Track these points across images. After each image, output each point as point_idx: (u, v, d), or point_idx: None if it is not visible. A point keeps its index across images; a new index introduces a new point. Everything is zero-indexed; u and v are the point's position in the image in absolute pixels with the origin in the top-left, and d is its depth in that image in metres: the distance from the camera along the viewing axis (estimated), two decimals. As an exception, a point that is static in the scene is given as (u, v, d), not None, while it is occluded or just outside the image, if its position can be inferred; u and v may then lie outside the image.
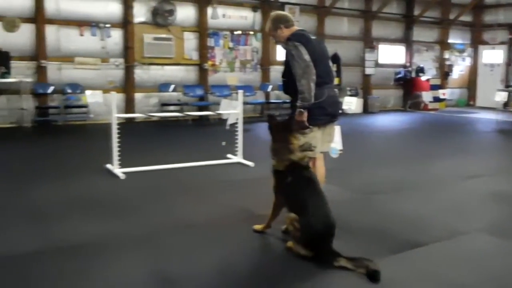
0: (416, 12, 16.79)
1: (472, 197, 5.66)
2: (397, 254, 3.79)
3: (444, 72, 17.99)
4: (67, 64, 11.21)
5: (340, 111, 4.77)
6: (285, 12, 4.94)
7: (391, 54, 16.97)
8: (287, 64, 4.39)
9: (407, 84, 16.99)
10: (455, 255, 3.89)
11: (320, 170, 4.60)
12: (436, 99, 16.40)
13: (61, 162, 7.28)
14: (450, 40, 18.11)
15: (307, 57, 4.20)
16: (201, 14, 12.72)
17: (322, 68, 4.36)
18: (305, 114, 4.16)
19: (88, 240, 4.02)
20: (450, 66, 18.36)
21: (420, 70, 17.08)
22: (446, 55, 17.98)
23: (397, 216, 4.80)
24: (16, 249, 3.82)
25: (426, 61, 17.67)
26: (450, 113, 16.00)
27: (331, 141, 4.77)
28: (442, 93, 15.86)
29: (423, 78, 16.81)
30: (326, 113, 4.44)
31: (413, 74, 17.05)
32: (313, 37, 4.57)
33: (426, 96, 16.17)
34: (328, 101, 4.42)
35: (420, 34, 17.30)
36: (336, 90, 4.71)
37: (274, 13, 4.71)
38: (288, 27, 4.52)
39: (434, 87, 16.53)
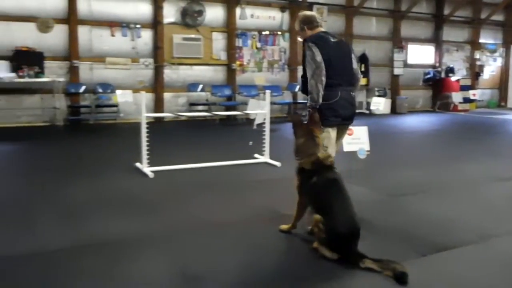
0: (446, 11, 16.57)
1: (502, 199, 5.57)
2: (424, 257, 3.76)
3: (475, 72, 17.69)
4: (98, 64, 11.44)
5: (354, 114, 4.73)
6: (313, 13, 4.95)
7: (420, 54, 16.78)
8: (304, 64, 4.52)
9: (436, 85, 16.77)
10: (485, 258, 3.84)
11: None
12: (466, 100, 16.16)
13: (92, 160, 7.44)
14: (481, 40, 17.81)
15: (319, 58, 4.32)
16: (230, 14, 12.81)
17: (337, 70, 4.42)
18: (316, 114, 4.17)
19: (116, 237, 4.11)
20: (481, 67, 18.04)
21: (450, 70, 16.83)
22: (477, 55, 17.69)
23: (425, 218, 4.76)
24: (46, 245, 3.92)
25: (456, 61, 17.42)
26: (480, 114, 15.73)
27: (344, 136, 4.89)
28: (472, 94, 15.61)
29: (453, 78, 16.58)
30: (336, 114, 4.46)
31: (443, 75, 16.82)
32: (335, 40, 4.60)
33: (456, 97, 15.95)
34: (340, 103, 4.44)
35: (450, 33, 17.07)
36: (353, 93, 4.66)
37: (302, 13, 4.80)
38: (312, 29, 4.61)
39: (464, 88, 16.29)
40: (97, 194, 5.46)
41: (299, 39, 4.76)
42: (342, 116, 4.52)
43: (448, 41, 17.10)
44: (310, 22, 4.62)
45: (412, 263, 3.55)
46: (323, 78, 4.30)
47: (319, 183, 3.85)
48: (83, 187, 5.74)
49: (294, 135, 4.16)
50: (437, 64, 16.94)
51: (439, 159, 8.08)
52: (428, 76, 16.77)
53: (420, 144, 10.03)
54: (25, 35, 10.62)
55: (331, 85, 4.36)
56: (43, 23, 10.74)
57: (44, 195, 5.38)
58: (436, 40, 16.88)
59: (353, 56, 4.71)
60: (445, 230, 4.40)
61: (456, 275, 3.51)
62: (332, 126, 4.50)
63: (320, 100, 4.30)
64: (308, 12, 4.92)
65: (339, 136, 4.70)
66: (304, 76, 4.56)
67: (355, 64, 4.69)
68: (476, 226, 4.52)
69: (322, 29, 4.68)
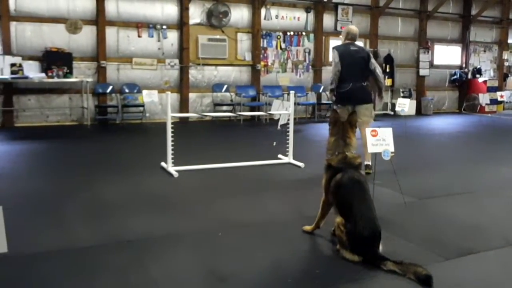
0: (474, 11, 16.33)
1: (529, 204, 5.49)
2: (448, 261, 3.75)
3: (503, 73, 17.38)
4: (125, 65, 11.62)
5: (361, 99, 6.56)
6: (353, 28, 6.87)
7: (447, 55, 16.57)
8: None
9: (463, 86, 16.55)
10: (511, 264, 3.81)
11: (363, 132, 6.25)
12: (494, 102, 15.88)
13: (118, 159, 7.58)
14: (509, 41, 17.49)
15: (337, 60, 6.57)
16: (255, 15, 12.86)
17: (349, 70, 6.49)
18: (354, 116, 4.31)
19: (142, 236, 4.18)
20: (509, 68, 17.72)
21: (477, 71, 16.58)
22: (505, 56, 17.37)
23: (450, 222, 4.73)
24: (73, 242, 4.02)
25: (484, 62, 17.14)
26: (508, 116, 15.46)
27: (366, 115, 6.59)
28: (500, 95, 15.34)
29: (480, 79, 16.33)
30: (344, 97, 6.53)
31: (470, 76, 16.58)
32: (354, 48, 6.65)
33: (483, 98, 15.69)
34: (349, 92, 6.48)
35: (477, 34, 16.82)
36: (359, 85, 6.54)
37: (346, 27, 6.98)
38: (344, 40, 6.83)
39: (492, 89, 16.00)
40: (123, 193, 5.57)
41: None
42: (349, 99, 6.52)
43: (475, 41, 16.85)
44: (345, 35, 6.82)
45: (436, 267, 3.54)
46: (335, 75, 6.58)
47: (343, 181, 3.87)
48: (109, 186, 5.86)
49: (329, 132, 4.21)
50: (464, 65, 16.71)
51: (465, 162, 7.99)
52: (455, 77, 16.55)
53: (446, 146, 9.92)
54: (55, 36, 10.86)
55: (344, 80, 6.53)
56: (72, 24, 10.96)
57: (72, 193, 5.50)
58: (463, 40, 16.66)
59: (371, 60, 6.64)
60: (471, 234, 4.37)
61: (481, 279, 3.49)
62: (344, 105, 6.51)
63: (333, 87, 6.62)
64: (350, 27, 6.94)
65: (360, 111, 6.34)
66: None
67: (364, 66, 6.60)
68: (503, 231, 4.47)
69: (348, 41, 6.74)
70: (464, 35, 16.58)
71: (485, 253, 3.93)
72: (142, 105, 11.48)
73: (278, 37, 13.36)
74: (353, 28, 6.87)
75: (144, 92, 10.26)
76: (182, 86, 12.20)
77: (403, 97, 14.47)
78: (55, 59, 10.50)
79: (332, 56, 6.81)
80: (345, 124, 4.14)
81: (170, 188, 5.89)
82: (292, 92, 7.78)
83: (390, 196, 5.48)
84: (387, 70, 14.78)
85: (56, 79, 10.38)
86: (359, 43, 14.18)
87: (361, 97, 6.56)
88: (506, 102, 16.99)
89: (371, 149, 5.05)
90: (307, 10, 13.69)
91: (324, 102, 13.77)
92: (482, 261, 3.81)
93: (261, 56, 13.11)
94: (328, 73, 14.02)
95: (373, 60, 6.66)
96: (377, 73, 6.63)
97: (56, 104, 11.09)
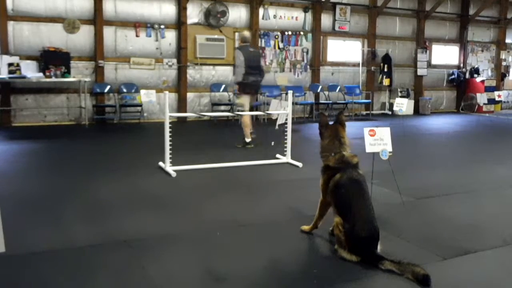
0: (472, 11, 16.35)
1: (527, 203, 5.51)
2: (447, 260, 3.75)
3: (500, 73, 17.41)
4: (123, 64, 11.61)
5: (257, 89, 8.95)
6: (247, 33, 8.91)
7: (445, 55, 16.59)
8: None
9: (461, 86, 16.57)
10: (509, 263, 3.82)
11: (245, 118, 8.41)
12: (491, 101, 15.90)
13: (116, 159, 7.58)
14: (507, 40, 17.52)
15: (242, 58, 8.25)
16: (253, 15, 12.86)
17: (250, 67, 8.28)
18: (342, 116, 4.32)
19: (139, 236, 4.18)
20: (507, 67, 17.75)
21: (475, 71, 16.61)
22: (503, 55, 17.39)
23: (448, 221, 4.74)
24: (71, 241, 4.02)
25: (482, 61, 17.17)
26: (505, 115, 15.49)
27: (255, 100, 9.22)
28: (497, 95, 15.38)
29: (478, 79, 16.35)
30: (247, 89, 8.38)
31: (467, 75, 16.60)
32: (251, 49, 8.69)
33: (481, 98, 15.71)
34: (252, 83, 8.38)
35: (475, 33, 16.85)
36: (257, 78, 8.47)
37: (241, 33, 9.02)
38: (241, 43, 8.71)
39: (489, 89, 16.03)
40: (120, 192, 5.57)
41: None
42: (251, 89, 8.48)
43: (473, 41, 16.87)
44: (242, 39, 8.67)
45: (433, 266, 3.55)
46: (240, 69, 8.29)
47: (342, 181, 3.87)
48: (107, 185, 5.86)
49: (320, 135, 4.20)
50: (462, 65, 16.74)
51: (463, 161, 8.01)
52: (453, 76, 16.58)
53: (444, 146, 9.94)
54: (53, 36, 10.84)
55: (247, 74, 8.26)
56: (70, 24, 10.94)
57: (70, 192, 5.50)
58: (460, 40, 16.68)
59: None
60: (468, 234, 4.38)
61: (478, 279, 3.50)
62: (246, 94, 8.41)
63: (239, 80, 8.33)
64: (244, 32, 8.95)
65: (253, 99, 8.90)
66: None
67: (261, 63, 9.06)
68: (500, 230, 4.48)
69: (246, 44, 8.58)
70: (462, 34, 16.60)
71: (482, 252, 3.94)
72: (140, 105, 11.47)
73: (276, 36, 13.36)
74: (247, 33, 8.93)
75: (142, 91, 10.23)
76: (180, 86, 12.19)
77: (401, 96, 14.48)
78: (53, 59, 10.48)
79: (236, 55, 8.59)
80: (336, 125, 4.14)
81: (168, 188, 5.89)
82: (290, 92, 7.79)
83: (388, 196, 5.49)
84: (385, 69, 14.80)
85: (53, 79, 10.37)
86: (357, 42, 14.34)
87: (258, 87, 8.82)
88: (504, 102, 17.02)
89: (369, 148, 5.05)
90: (305, 10, 13.69)
91: (322, 102, 13.78)
92: (479, 260, 3.82)
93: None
94: (326, 72, 14.16)
95: (261, 58, 9.52)
96: (263, 68, 9.09)
97: (54, 103, 11.07)
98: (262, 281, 3.39)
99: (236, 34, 12.77)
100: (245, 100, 8.43)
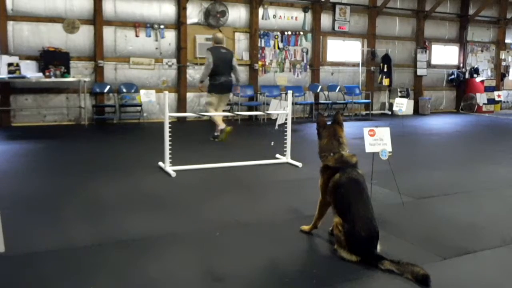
0: (471, 11, 16.36)
1: (526, 203, 5.50)
2: (446, 260, 3.75)
3: (500, 73, 17.42)
4: (123, 64, 11.62)
5: (228, 89, 9.11)
6: (220, 34, 9.26)
7: (444, 55, 16.60)
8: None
9: (460, 86, 16.58)
10: (508, 262, 3.82)
11: (217, 117, 8.83)
12: (491, 101, 15.92)
13: (116, 159, 7.58)
14: (507, 40, 17.52)
15: (210, 59, 8.67)
16: (252, 15, 12.86)
17: (220, 67, 8.74)
18: (339, 116, 4.29)
19: (139, 235, 4.18)
20: (507, 67, 17.76)
21: (475, 71, 16.62)
22: (502, 55, 17.39)
23: (447, 221, 4.74)
24: (70, 241, 4.02)
25: (481, 61, 17.17)
26: (505, 116, 15.50)
27: (226, 100, 9.52)
28: (497, 95, 15.39)
29: (478, 79, 16.36)
30: (217, 89, 8.85)
31: (467, 75, 16.61)
32: (223, 50, 8.98)
33: (480, 98, 15.73)
34: (222, 83, 8.83)
35: (475, 33, 16.85)
36: (228, 78, 8.93)
37: (214, 34, 9.39)
38: (213, 43, 9.07)
39: (489, 89, 16.04)
40: (120, 192, 5.56)
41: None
42: (220, 90, 8.89)
43: (472, 41, 16.87)
44: (214, 39, 9.10)
45: (433, 266, 3.55)
46: (207, 71, 8.78)
47: (341, 181, 3.86)
48: (107, 185, 5.86)
49: (318, 136, 4.20)
50: (461, 65, 16.74)
51: (462, 161, 8.01)
52: (452, 76, 16.58)
53: (444, 146, 9.94)
54: (52, 36, 10.85)
55: (215, 74, 8.75)
56: (70, 24, 10.94)
57: (69, 192, 5.50)
58: (460, 40, 16.68)
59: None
60: (468, 234, 4.38)
61: (478, 279, 3.51)
62: (215, 94, 8.87)
63: (205, 80, 8.88)
64: (217, 33, 9.38)
65: (224, 100, 9.24)
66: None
67: (233, 63, 8.96)
68: (500, 230, 4.48)
69: (218, 44, 9.00)
70: (462, 34, 16.61)
71: (482, 252, 3.94)
72: (140, 105, 11.47)
73: (276, 36, 13.37)
74: (220, 34, 9.28)
75: (142, 91, 10.25)
76: (180, 86, 12.19)
77: (401, 96, 14.48)
78: (52, 59, 10.48)
79: (205, 55, 8.94)
80: (334, 125, 4.15)
81: (167, 187, 5.89)
82: (289, 92, 7.79)
83: (387, 196, 5.49)
84: (385, 70, 14.80)
85: (53, 79, 10.36)
86: (357, 42, 14.35)
87: (229, 87, 9.02)
88: (504, 102, 17.03)
89: (368, 148, 5.05)
90: (305, 10, 13.69)
91: (322, 102, 13.78)
92: (479, 260, 3.82)
93: (259, 55, 13.11)
94: (326, 72, 14.16)
95: (234, 59, 9.08)
96: (237, 68, 9.07)
97: (54, 103, 11.07)
98: (262, 281, 3.39)
99: (236, 34, 12.80)
100: (214, 99, 8.93)
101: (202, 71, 9.00)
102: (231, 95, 9.99)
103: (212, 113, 8.75)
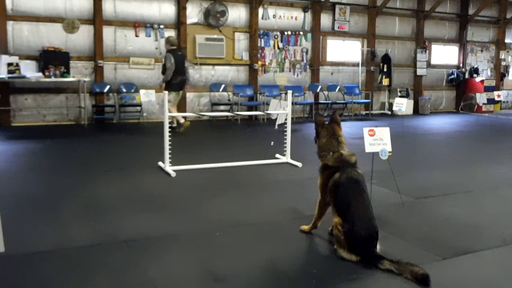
0: (471, 11, 16.36)
1: (526, 203, 5.51)
2: (446, 260, 3.76)
3: (500, 73, 17.42)
4: (123, 64, 11.62)
5: (184, 87, 10.33)
6: (174, 38, 10.52)
7: (444, 55, 16.60)
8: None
9: (460, 86, 16.59)
10: (508, 263, 3.82)
11: (173, 110, 9.59)
12: (491, 101, 15.91)
13: (116, 159, 7.58)
14: (506, 40, 17.53)
15: (172, 61, 9.77)
16: (252, 15, 12.86)
17: (179, 68, 9.88)
18: (337, 115, 4.30)
19: (138, 235, 4.18)
20: (506, 67, 17.76)
21: (474, 71, 16.62)
22: (502, 55, 17.40)
23: (447, 221, 4.74)
24: (70, 241, 4.02)
25: (481, 61, 17.18)
26: (505, 115, 15.50)
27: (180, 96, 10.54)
28: (497, 95, 15.40)
29: (477, 79, 16.36)
30: (176, 87, 9.96)
31: (467, 75, 16.61)
32: (179, 53, 10.21)
33: (480, 98, 15.72)
34: (180, 82, 10.00)
35: (474, 33, 16.85)
36: (184, 77, 10.14)
37: (167, 38, 10.39)
38: (169, 47, 10.08)
39: (489, 89, 16.04)
40: (120, 192, 5.56)
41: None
42: (179, 88, 10.08)
43: (472, 41, 16.88)
44: (168, 42, 10.14)
45: (433, 266, 3.55)
46: (170, 71, 9.82)
47: (341, 180, 3.86)
48: (106, 185, 5.86)
49: (316, 135, 4.21)
50: (461, 65, 16.75)
51: (462, 161, 8.01)
52: (452, 76, 16.59)
53: (444, 146, 9.94)
54: (52, 36, 10.85)
55: (175, 74, 9.84)
56: (70, 24, 10.94)
57: (69, 192, 5.50)
58: (460, 40, 16.68)
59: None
60: (467, 234, 4.38)
61: (477, 279, 3.51)
62: (175, 91, 9.86)
63: (168, 79, 9.89)
64: (171, 36, 10.60)
65: (181, 95, 10.44)
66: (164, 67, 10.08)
67: (186, 64, 10.28)
68: (499, 230, 4.48)
69: (174, 47, 10.11)
70: (461, 34, 16.61)
71: (481, 252, 3.94)
72: (140, 105, 11.47)
73: (276, 36, 13.37)
74: (174, 37, 10.53)
75: (142, 91, 10.24)
76: (180, 86, 12.16)
77: (401, 96, 14.49)
78: (52, 59, 10.48)
79: (167, 58, 9.94)
80: (333, 125, 4.15)
81: (167, 187, 5.89)
82: (289, 92, 7.79)
83: (387, 196, 5.49)
84: (385, 69, 14.81)
85: (53, 79, 10.37)
86: (357, 42, 14.35)
87: (184, 85, 10.24)
88: (503, 102, 17.03)
89: (368, 148, 5.05)
90: (305, 10, 13.69)
91: (322, 102, 13.78)
92: (479, 260, 3.82)
93: (259, 55, 13.11)
94: (325, 72, 14.16)
95: (187, 61, 10.53)
96: (188, 69, 10.45)
97: (53, 103, 11.07)
98: (262, 281, 3.39)
99: (236, 34, 12.80)
100: (173, 97, 9.83)
101: (167, 72, 9.88)
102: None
103: (174, 113, 9.47)
